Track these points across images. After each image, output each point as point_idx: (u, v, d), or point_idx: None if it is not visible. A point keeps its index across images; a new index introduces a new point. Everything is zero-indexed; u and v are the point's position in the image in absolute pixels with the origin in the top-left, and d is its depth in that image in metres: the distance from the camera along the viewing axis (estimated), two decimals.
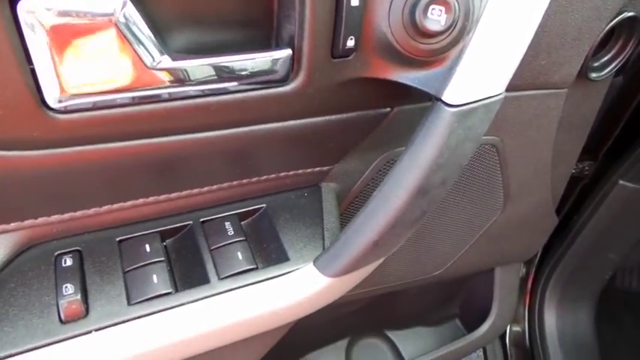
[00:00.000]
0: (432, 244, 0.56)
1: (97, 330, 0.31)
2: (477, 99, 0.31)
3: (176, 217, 0.37)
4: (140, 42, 0.26)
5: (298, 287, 0.35)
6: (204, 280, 0.34)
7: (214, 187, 0.37)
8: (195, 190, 0.37)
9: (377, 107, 0.38)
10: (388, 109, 0.38)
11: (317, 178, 0.42)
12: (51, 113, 0.26)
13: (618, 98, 0.68)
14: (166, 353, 0.33)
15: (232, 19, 0.30)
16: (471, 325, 0.82)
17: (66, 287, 0.31)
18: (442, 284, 0.75)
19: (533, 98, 0.45)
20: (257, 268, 0.36)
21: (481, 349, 1.21)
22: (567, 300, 0.95)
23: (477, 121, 0.32)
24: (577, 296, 0.95)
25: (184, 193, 0.36)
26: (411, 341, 0.83)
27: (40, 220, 0.32)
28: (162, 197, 0.36)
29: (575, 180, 0.83)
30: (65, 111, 0.26)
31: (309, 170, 0.41)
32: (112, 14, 0.25)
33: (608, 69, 0.47)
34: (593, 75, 0.47)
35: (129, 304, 0.32)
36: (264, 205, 0.40)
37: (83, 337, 0.30)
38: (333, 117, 0.36)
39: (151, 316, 0.32)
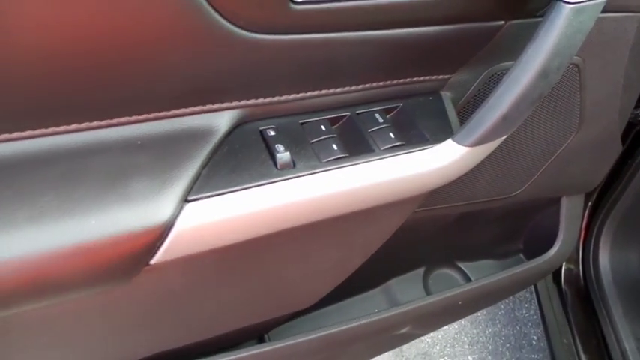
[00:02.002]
0: (515, 159, 0.66)
1: (303, 176, 0.41)
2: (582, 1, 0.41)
3: (337, 110, 0.48)
4: None
5: (441, 156, 0.46)
6: (370, 150, 0.45)
7: (367, 85, 0.48)
8: (353, 87, 0.47)
9: (494, 19, 0.47)
10: (502, 23, 0.48)
11: (438, 85, 0.52)
12: (292, 4, 0.36)
13: None
14: (346, 200, 0.44)
15: None
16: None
17: (278, 146, 0.42)
18: (511, 215, 0.85)
19: (614, 20, 0.54)
20: (406, 145, 0.46)
21: (534, 292, 1.28)
22: (620, 241, 1.03)
23: (586, 17, 0.41)
24: (629, 238, 1.03)
25: (345, 88, 0.47)
26: (481, 272, 0.92)
27: (250, 101, 0.43)
28: (331, 90, 0.46)
29: (630, 126, 0.91)
30: (301, 2, 0.37)
31: (434, 77, 0.51)
32: None
33: None
34: None
35: (319, 162, 0.43)
36: (401, 103, 0.50)
37: (294, 179, 0.41)
38: (458, 26, 0.46)
39: (337, 170, 0.43)
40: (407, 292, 0.88)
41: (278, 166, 0.41)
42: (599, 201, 1.02)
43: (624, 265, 1.04)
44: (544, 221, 0.89)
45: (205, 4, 0.33)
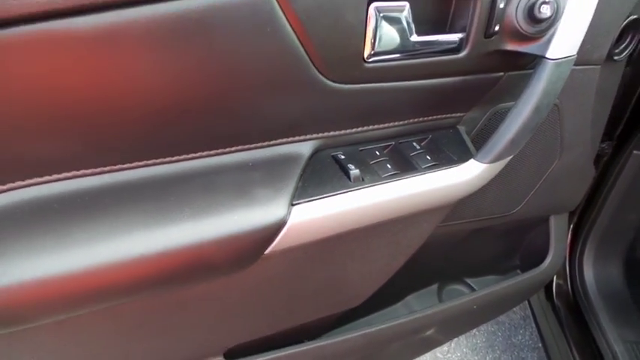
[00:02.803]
0: (513, 181, 0.81)
1: (370, 186, 0.55)
2: (563, 56, 0.57)
3: (384, 140, 0.63)
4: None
5: (468, 171, 0.61)
6: (414, 168, 0.59)
7: (405, 121, 0.63)
8: (396, 123, 0.62)
9: (496, 71, 0.64)
10: (502, 74, 0.65)
11: (455, 121, 0.68)
12: (363, 63, 0.52)
13: (626, 89, 0.95)
14: (400, 204, 0.58)
15: (430, 19, 0.56)
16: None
17: (350, 166, 0.56)
18: (509, 232, 0.99)
19: (581, 72, 0.72)
20: (439, 164, 0.61)
21: (530, 314, 1.41)
22: (601, 257, 1.19)
23: (564, 69, 0.58)
24: (609, 253, 1.19)
25: (391, 124, 0.62)
26: (485, 286, 1.05)
27: (324, 134, 0.57)
28: (381, 126, 0.61)
29: (599, 157, 1.09)
30: (370, 61, 0.52)
31: (453, 115, 0.67)
32: None
33: (624, 53, 0.75)
34: (615, 57, 0.74)
35: (380, 177, 0.57)
36: (430, 135, 0.65)
37: (364, 189, 0.55)
38: (471, 77, 0.62)
39: (394, 182, 0.57)
40: (424, 305, 1.00)
41: (352, 180, 0.55)
42: (580, 223, 1.19)
43: (607, 279, 1.18)
44: (536, 239, 1.03)
45: (312, 65, 0.48)
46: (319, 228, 0.53)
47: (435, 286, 1.03)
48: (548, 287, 1.24)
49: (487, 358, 1.70)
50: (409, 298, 1.01)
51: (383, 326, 0.78)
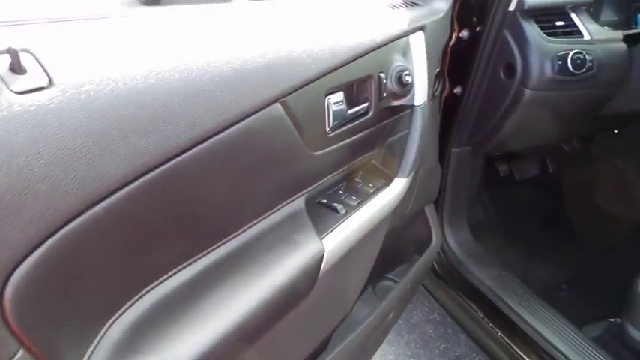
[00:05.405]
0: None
1: (356, 211, 0.81)
2: (422, 102, 0.94)
3: (338, 183, 0.89)
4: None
5: (397, 185, 0.92)
6: (366, 195, 0.87)
7: (349, 164, 0.90)
8: (345, 167, 0.89)
9: (386, 119, 0.97)
10: (387, 121, 0.98)
11: (371, 157, 0.99)
12: (327, 135, 0.78)
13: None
14: (372, 217, 0.85)
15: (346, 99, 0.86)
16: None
17: (334, 204, 0.81)
18: (406, 228, 1.34)
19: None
20: (380, 188, 0.90)
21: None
22: (454, 226, 1.64)
23: (425, 109, 0.95)
24: (458, 222, 1.65)
25: (342, 169, 0.89)
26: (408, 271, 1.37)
27: (309, 188, 0.81)
28: (337, 171, 0.87)
29: None
30: (330, 134, 0.79)
31: (370, 153, 0.97)
32: None
33: (437, 92, 1.18)
34: (435, 95, 1.17)
35: (352, 206, 0.83)
36: (361, 171, 0.94)
37: (353, 214, 0.80)
38: (377, 126, 0.94)
39: (364, 206, 0.84)
40: (369, 306, 1.27)
41: (339, 212, 0.81)
42: (436, 206, 1.63)
43: (462, 239, 1.64)
44: (421, 229, 1.41)
45: (302, 144, 0.73)
46: (341, 246, 0.77)
47: (370, 289, 1.30)
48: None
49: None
50: (357, 304, 1.26)
51: (366, 321, 1.02)
